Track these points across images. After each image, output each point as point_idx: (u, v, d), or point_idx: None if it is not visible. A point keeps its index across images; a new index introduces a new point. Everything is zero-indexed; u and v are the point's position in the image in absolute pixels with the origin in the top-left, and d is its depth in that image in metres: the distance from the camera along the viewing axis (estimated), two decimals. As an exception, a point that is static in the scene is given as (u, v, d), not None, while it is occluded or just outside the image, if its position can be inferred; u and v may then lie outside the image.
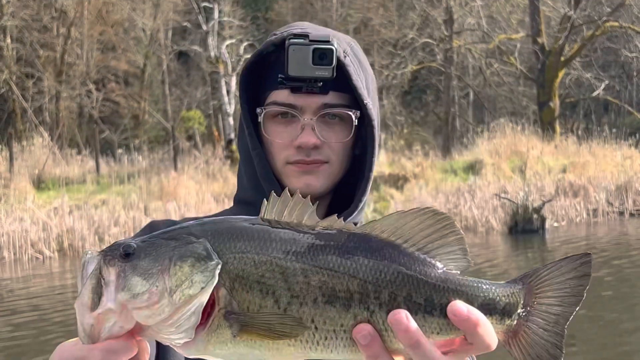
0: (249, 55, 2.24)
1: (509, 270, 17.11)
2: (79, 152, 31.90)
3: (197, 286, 1.18)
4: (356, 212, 2.01)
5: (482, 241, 22.26)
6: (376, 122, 2.03)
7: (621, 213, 26.35)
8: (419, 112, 43.19)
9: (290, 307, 1.23)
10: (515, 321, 1.34)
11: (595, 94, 38.48)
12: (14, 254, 20.87)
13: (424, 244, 1.31)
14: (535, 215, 22.58)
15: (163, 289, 1.18)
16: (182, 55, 42.12)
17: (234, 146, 28.43)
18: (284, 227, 1.28)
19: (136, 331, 1.20)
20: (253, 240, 1.25)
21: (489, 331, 1.29)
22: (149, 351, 1.25)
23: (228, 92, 32.28)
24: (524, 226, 22.63)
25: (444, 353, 1.29)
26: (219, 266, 1.21)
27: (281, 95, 2.00)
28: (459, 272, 1.33)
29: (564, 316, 1.37)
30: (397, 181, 28.16)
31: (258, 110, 2.03)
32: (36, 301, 15.25)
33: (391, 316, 1.24)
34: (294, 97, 1.98)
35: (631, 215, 26.17)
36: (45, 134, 32.07)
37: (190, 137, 35.94)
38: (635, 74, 43.92)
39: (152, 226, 2.02)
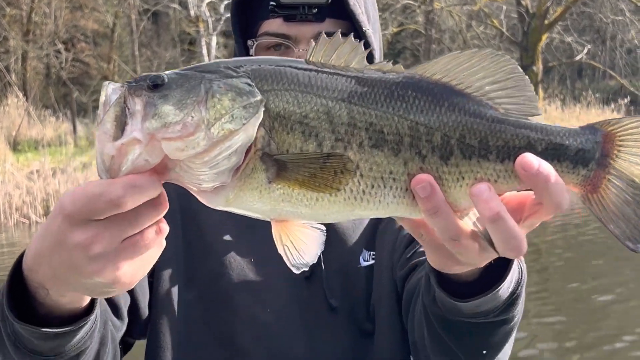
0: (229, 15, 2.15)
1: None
2: (54, 113, 30.80)
3: (239, 121, 1.08)
4: None
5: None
6: (377, 52, 1.95)
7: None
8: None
9: (333, 150, 1.13)
10: (593, 172, 1.20)
11: (578, 58, 38.37)
12: (-2, 218, 20.03)
13: (480, 86, 1.18)
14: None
15: (200, 119, 1.07)
16: (153, 15, 41.15)
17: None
18: (330, 68, 1.17)
19: (160, 171, 1.09)
20: (297, 80, 1.14)
21: (560, 188, 1.14)
22: (167, 201, 1.12)
23: (209, 52, 31.40)
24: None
25: (516, 222, 1.15)
26: (263, 103, 1.11)
27: (273, 25, 1.90)
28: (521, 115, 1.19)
29: None
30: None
31: (249, 42, 1.92)
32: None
33: (473, 188, 1.14)
34: (287, 27, 1.88)
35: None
36: (20, 94, 30.87)
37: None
38: (609, 37, 43.80)
39: None
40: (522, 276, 1.48)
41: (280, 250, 1.21)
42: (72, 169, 22.87)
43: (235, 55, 2.00)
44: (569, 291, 10.39)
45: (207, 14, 32.56)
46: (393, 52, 43.01)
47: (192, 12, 32.67)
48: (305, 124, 1.13)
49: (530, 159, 1.14)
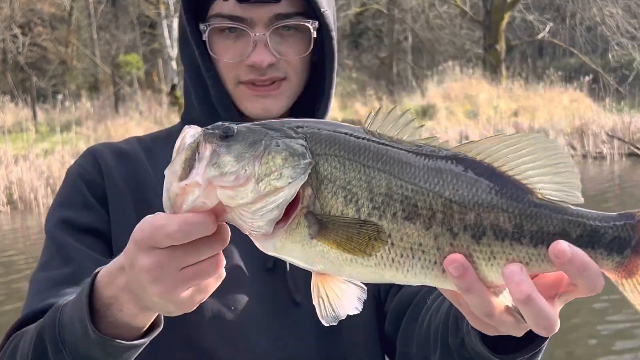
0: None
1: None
2: (13, 99, 30.28)
3: (285, 180, 1.18)
4: None
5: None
6: (335, 33, 1.89)
7: (584, 156, 26.37)
8: (358, 58, 42.38)
9: (369, 218, 1.19)
10: (628, 259, 1.20)
11: (540, 36, 38.58)
12: (-41, 208, 19.64)
13: (523, 170, 1.21)
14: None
15: (251, 173, 1.18)
16: (111, -2, 40.70)
17: (179, 92, 27.41)
18: (381, 139, 1.23)
19: (218, 213, 1.20)
20: (347, 147, 1.21)
21: (595, 274, 1.16)
22: (228, 234, 1.25)
23: (170, 34, 30.94)
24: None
25: (551, 298, 1.20)
26: (311, 166, 1.19)
27: (226, 6, 1.81)
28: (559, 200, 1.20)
29: None
30: (352, 127, 27.54)
31: (202, 27, 1.84)
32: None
33: (505, 270, 1.17)
34: (242, 9, 1.80)
35: (594, 158, 26.11)
36: (-23, 80, 30.33)
37: (129, 83, 34.66)
38: (569, 15, 44.06)
39: (92, 150, 1.95)
40: None
41: (315, 301, 1.27)
42: (34, 155, 22.59)
43: (181, 32, 1.93)
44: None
45: (168, -5, 32.09)
46: (355, 32, 42.88)
47: (152, -6, 32.12)
48: (348, 190, 1.20)
49: (563, 247, 1.15)
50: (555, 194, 1.21)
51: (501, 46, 35.56)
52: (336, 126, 1.26)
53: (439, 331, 1.68)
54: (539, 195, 1.21)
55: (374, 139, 1.23)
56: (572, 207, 1.20)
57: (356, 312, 1.27)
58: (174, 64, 30.93)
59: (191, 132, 1.23)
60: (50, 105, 30.27)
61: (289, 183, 1.18)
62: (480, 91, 30.81)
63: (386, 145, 1.22)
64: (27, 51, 36.06)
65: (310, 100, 1.96)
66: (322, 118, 1.91)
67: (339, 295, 1.27)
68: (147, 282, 1.24)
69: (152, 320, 1.44)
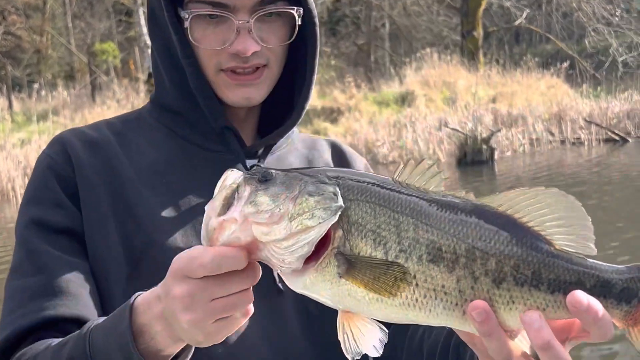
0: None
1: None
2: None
3: (316, 220, 1.25)
4: (299, 121, 1.94)
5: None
6: (317, 19, 1.89)
7: (562, 142, 26.55)
8: (336, 45, 42.31)
9: (396, 260, 1.27)
10: (635, 308, 1.29)
11: (517, 22, 38.70)
12: (-64, 199, 19.43)
13: (541, 221, 1.29)
14: (484, 146, 22.26)
15: (285, 212, 1.25)
16: (86, -14, 40.36)
17: (156, 80, 27.22)
18: (409, 188, 1.31)
19: (252, 250, 1.27)
20: (378, 194, 1.30)
21: (607, 323, 1.25)
22: (259, 273, 1.32)
23: (147, 22, 30.75)
24: (474, 157, 22.32)
25: (562, 342, 1.28)
26: (341, 209, 1.27)
27: None
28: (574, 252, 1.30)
29: None
30: (331, 114, 27.61)
31: (183, 13, 1.78)
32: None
33: (524, 315, 1.25)
34: None
35: (572, 144, 26.26)
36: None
37: (106, 72, 34.41)
38: (545, 1, 44.23)
39: (61, 139, 1.88)
40: None
41: (340, 337, 1.33)
42: (10, 145, 22.38)
43: (150, 20, 1.90)
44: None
45: (144, -17, 31.90)
46: (332, 19, 42.82)
47: (128, -19, 31.89)
48: (377, 233, 1.28)
49: (581, 297, 1.23)
50: (571, 245, 1.30)
51: (478, 33, 35.63)
52: (367, 176, 1.35)
53: (436, 353, 1.76)
54: (557, 246, 1.29)
55: (402, 188, 1.32)
56: (586, 259, 1.29)
57: (376, 354, 1.32)
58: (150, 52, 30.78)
59: (233, 175, 1.32)
60: (26, 95, 30.01)
61: (320, 223, 1.26)
62: (459, 78, 30.87)
63: (413, 194, 1.31)
64: (2, 40, 35.73)
65: (288, 87, 1.93)
66: (302, 105, 1.90)
67: (363, 332, 1.33)
68: (178, 310, 1.31)
69: (178, 350, 1.48)
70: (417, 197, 1.31)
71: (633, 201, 15.98)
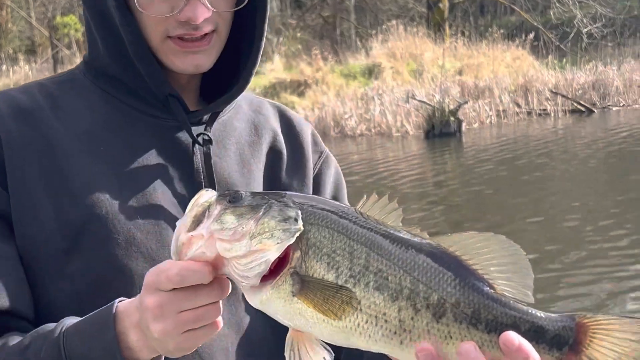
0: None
1: (426, 173, 17.40)
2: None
3: (275, 240, 1.32)
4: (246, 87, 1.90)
5: (399, 146, 22.07)
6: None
7: (529, 113, 26.60)
8: (302, 17, 42.03)
9: (345, 284, 1.34)
10: (565, 355, 1.36)
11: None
12: None
13: (486, 265, 1.37)
14: (452, 118, 22.33)
15: (247, 231, 1.32)
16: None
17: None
18: (368, 219, 1.39)
19: (218, 265, 1.34)
20: (338, 222, 1.37)
21: None
22: (228, 288, 1.39)
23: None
24: (441, 129, 22.38)
25: None
26: (299, 232, 1.33)
27: None
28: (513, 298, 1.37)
29: None
30: (298, 87, 27.54)
31: None
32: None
33: (461, 347, 1.32)
34: None
35: (539, 115, 26.40)
36: None
37: (68, 46, 33.91)
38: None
39: None
40: None
41: (286, 353, 1.39)
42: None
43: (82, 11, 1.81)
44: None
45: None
46: (298, 1, 42.55)
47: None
48: (332, 258, 1.35)
49: (513, 337, 1.31)
50: (511, 291, 1.37)
51: (444, 4, 35.61)
52: (330, 204, 1.42)
53: None
54: (498, 290, 1.37)
55: (361, 218, 1.39)
56: (523, 305, 1.36)
57: None
58: (114, 26, 30.46)
59: (206, 195, 1.39)
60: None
61: (278, 243, 1.32)
62: (425, 50, 30.85)
63: (371, 225, 1.38)
64: (-40, 13, 34.99)
65: (233, 52, 1.85)
66: (250, 71, 1.84)
67: (310, 354, 1.39)
68: (150, 320, 1.36)
69: None
70: (373, 228, 1.38)
71: (599, 171, 16.18)
